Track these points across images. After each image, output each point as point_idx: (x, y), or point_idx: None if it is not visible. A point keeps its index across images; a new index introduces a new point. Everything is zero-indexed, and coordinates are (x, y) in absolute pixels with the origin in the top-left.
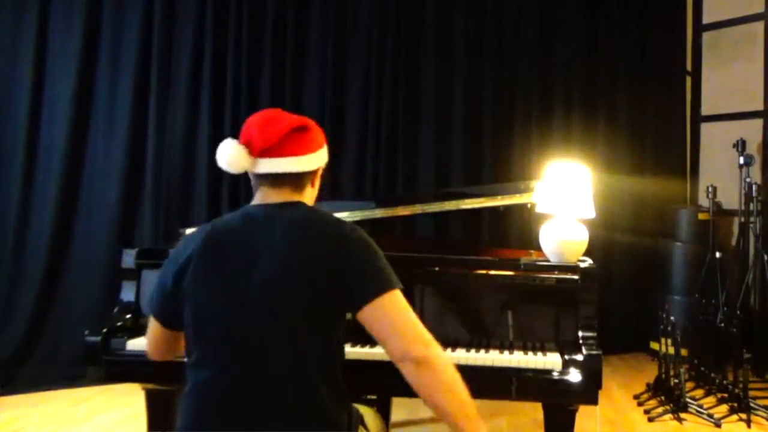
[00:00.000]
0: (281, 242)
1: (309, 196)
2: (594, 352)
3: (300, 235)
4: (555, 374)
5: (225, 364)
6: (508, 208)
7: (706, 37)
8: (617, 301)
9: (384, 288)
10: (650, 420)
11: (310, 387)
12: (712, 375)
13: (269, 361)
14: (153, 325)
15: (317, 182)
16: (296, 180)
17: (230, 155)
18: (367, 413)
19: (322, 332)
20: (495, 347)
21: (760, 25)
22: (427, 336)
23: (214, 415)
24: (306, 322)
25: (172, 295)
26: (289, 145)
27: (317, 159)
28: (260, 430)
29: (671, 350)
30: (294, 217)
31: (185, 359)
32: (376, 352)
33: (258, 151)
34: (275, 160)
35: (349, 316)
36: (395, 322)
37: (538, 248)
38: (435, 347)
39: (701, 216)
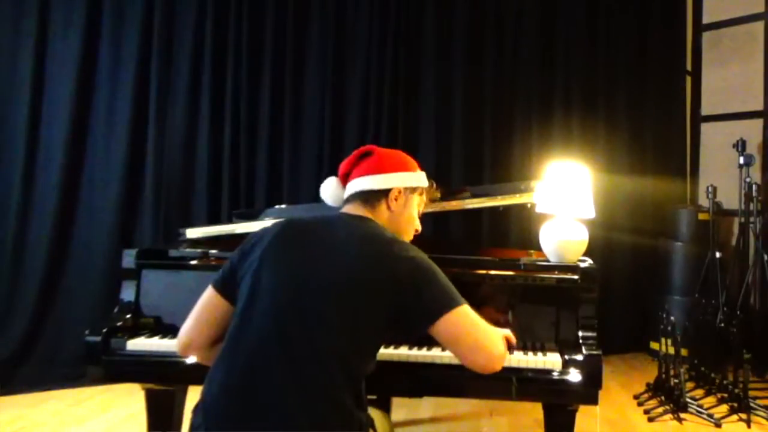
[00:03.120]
0: (346, 247)
1: (383, 217)
2: (594, 352)
3: (363, 245)
4: (555, 374)
5: (266, 341)
6: (508, 208)
7: (706, 37)
8: (617, 301)
9: (446, 308)
10: (650, 420)
11: (333, 381)
12: (712, 375)
13: (304, 347)
14: (204, 297)
15: (397, 206)
16: (363, 198)
17: (328, 186)
18: (377, 417)
19: (360, 338)
20: None
21: (760, 25)
22: (490, 352)
23: (240, 387)
24: (349, 325)
25: (235, 266)
26: (357, 168)
27: (385, 180)
28: (279, 407)
29: (671, 350)
30: (359, 230)
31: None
32: None
33: (342, 178)
34: (351, 183)
35: None
36: (459, 342)
37: (538, 248)
38: (498, 363)
39: (701, 216)
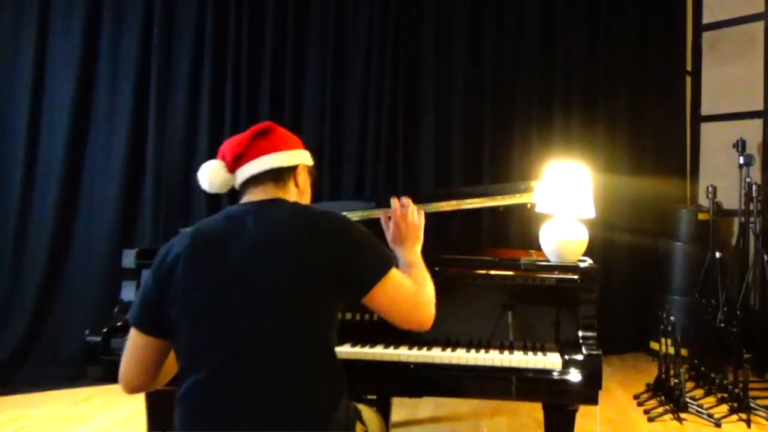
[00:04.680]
0: (267, 239)
1: (292, 194)
2: (594, 352)
3: (287, 230)
4: (555, 374)
5: (215, 365)
6: (508, 208)
7: (706, 37)
8: (617, 301)
9: (382, 272)
10: (650, 420)
11: (302, 385)
12: (712, 375)
13: (260, 360)
14: (134, 339)
15: (302, 183)
16: (275, 176)
17: (209, 170)
18: (366, 410)
19: (315, 328)
20: (495, 347)
21: (760, 25)
22: (422, 314)
23: (205, 416)
24: (297, 319)
25: (156, 300)
26: (255, 147)
27: (291, 157)
28: (250, 430)
29: (671, 350)
30: (279, 213)
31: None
32: (376, 352)
33: (231, 162)
34: (249, 164)
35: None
36: (393, 304)
37: (538, 248)
38: (428, 321)
39: (701, 216)
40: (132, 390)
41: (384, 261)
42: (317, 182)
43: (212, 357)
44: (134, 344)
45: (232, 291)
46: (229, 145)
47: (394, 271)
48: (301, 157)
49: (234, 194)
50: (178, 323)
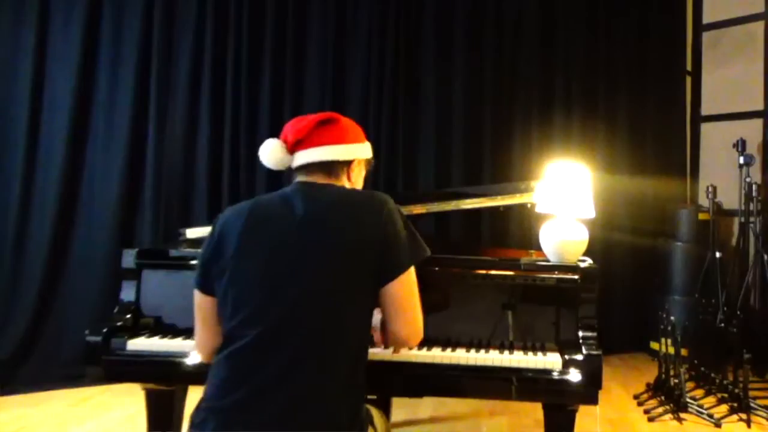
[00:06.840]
0: (315, 218)
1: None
2: (594, 352)
3: (334, 210)
4: (555, 374)
5: (258, 332)
6: (508, 208)
7: (706, 37)
8: (617, 301)
9: (405, 266)
10: (650, 420)
11: (336, 366)
12: (712, 375)
13: (298, 331)
14: (199, 303)
15: (354, 176)
16: (327, 169)
17: (269, 148)
18: (376, 413)
19: (353, 309)
20: (495, 347)
21: (760, 25)
22: (418, 329)
23: (242, 377)
24: (338, 298)
25: (210, 262)
26: (316, 136)
27: (349, 151)
28: (280, 395)
29: (671, 350)
30: (328, 195)
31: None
32: (376, 352)
33: (291, 145)
34: (307, 151)
35: None
36: (401, 307)
37: (538, 248)
38: (420, 334)
39: (701, 216)
40: (210, 355)
41: (420, 250)
42: (375, 171)
43: (255, 325)
44: (199, 307)
45: (279, 265)
46: (292, 128)
47: (410, 272)
48: (357, 152)
49: (235, 199)
50: (225, 292)
